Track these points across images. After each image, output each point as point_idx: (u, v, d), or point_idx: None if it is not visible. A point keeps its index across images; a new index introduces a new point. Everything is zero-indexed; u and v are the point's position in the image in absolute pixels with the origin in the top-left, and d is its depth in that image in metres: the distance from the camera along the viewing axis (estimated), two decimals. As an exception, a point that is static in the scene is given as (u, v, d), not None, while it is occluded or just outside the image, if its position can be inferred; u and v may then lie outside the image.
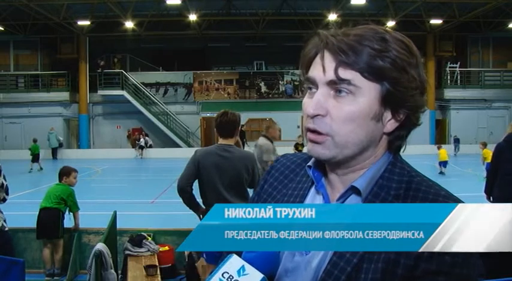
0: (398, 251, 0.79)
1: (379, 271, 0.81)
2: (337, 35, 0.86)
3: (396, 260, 0.80)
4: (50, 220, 5.15)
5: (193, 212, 3.80)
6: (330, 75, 0.84)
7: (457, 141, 23.43)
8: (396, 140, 0.91)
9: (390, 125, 0.88)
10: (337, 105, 0.85)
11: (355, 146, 0.87)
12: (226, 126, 3.59)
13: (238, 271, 0.79)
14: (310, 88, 0.89)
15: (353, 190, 0.89)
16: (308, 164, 0.96)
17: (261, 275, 0.79)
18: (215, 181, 3.54)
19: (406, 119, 0.88)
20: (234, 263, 0.80)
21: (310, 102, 0.87)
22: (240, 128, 3.72)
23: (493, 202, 4.80)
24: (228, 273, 0.79)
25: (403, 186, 0.87)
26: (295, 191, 0.99)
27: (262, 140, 6.44)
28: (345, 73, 0.83)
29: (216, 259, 0.96)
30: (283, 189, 1.03)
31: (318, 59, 0.88)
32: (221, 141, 3.64)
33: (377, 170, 0.89)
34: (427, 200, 0.84)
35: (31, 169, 16.98)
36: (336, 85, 0.84)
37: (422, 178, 0.89)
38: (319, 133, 0.86)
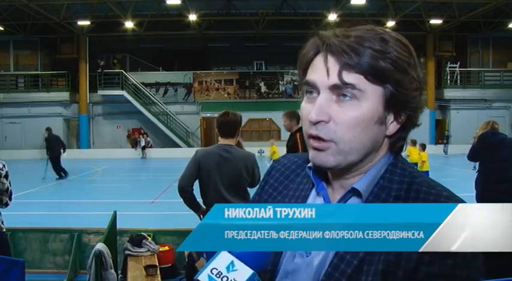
0: (399, 253, 0.78)
1: (379, 273, 0.80)
2: (337, 36, 0.83)
3: (397, 262, 0.79)
4: None
5: (193, 212, 3.80)
6: (334, 79, 0.82)
7: (446, 139, 23.52)
8: (398, 141, 0.90)
9: (392, 127, 0.87)
10: (341, 111, 0.82)
11: (359, 151, 0.85)
12: (227, 126, 3.61)
13: (228, 267, 0.78)
14: (309, 92, 0.86)
15: (353, 192, 0.88)
16: (308, 165, 0.94)
17: (251, 271, 0.78)
18: (216, 181, 3.55)
19: (407, 121, 0.88)
20: (223, 259, 0.79)
21: (311, 108, 0.84)
22: (240, 128, 3.74)
23: (476, 195, 5.14)
24: (216, 269, 0.78)
25: (404, 187, 0.86)
26: (297, 193, 0.98)
27: None
28: (349, 77, 0.81)
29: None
30: (284, 190, 1.02)
31: (318, 61, 0.85)
32: (222, 141, 3.65)
33: (377, 171, 0.88)
34: (428, 201, 0.82)
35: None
36: (340, 90, 0.82)
37: (424, 178, 0.88)
38: (322, 140, 0.84)
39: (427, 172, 11.04)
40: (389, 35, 0.84)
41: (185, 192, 3.60)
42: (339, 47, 0.82)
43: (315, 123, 0.83)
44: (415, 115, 0.88)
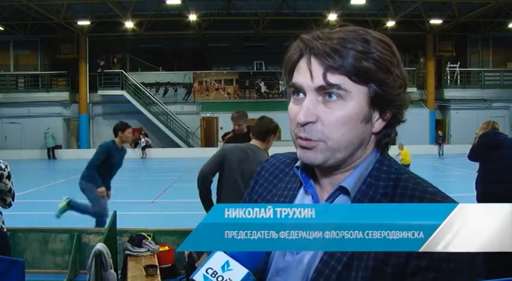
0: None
1: (369, 269, 0.81)
2: (320, 38, 0.85)
3: (386, 258, 0.80)
4: None
5: (193, 212, 3.81)
6: (319, 81, 0.83)
7: (442, 140, 22.78)
8: (384, 138, 0.92)
9: (378, 124, 0.89)
10: (328, 111, 0.84)
11: (347, 149, 0.87)
12: (257, 129, 3.82)
13: (223, 267, 0.79)
14: (296, 93, 0.88)
15: (341, 189, 0.90)
16: (296, 164, 0.96)
17: (246, 271, 0.79)
18: (236, 176, 3.63)
19: (393, 118, 0.90)
20: (218, 258, 0.79)
21: (298, 110, 0.86)
22: (272, 136, 3.86)
23: (476, 195, 5.14)
24: (212, 269, 0.79)
25: (391, 184, 0.88)
26: (285, 192, 1.00)
27: None
28: (334, 78, 0.83)
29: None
30: (273, 189, 1.03)
31: (302, 64, 0.87)
32: (252, 142, 3.81)
33: (365, 169, 0.90)
34: (415, 198, 0.84)
35: None
36: (325, 90, 0.84)
37: (410, 175, 0.90)
38: (311, 140, 0.86)
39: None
40: (372, 36, 0.86)
41: (205, 180, 3.64)
42: (321, 50, 0.83)
43: (303, 124, 0.85)
44: (400, 112, 0.90)
